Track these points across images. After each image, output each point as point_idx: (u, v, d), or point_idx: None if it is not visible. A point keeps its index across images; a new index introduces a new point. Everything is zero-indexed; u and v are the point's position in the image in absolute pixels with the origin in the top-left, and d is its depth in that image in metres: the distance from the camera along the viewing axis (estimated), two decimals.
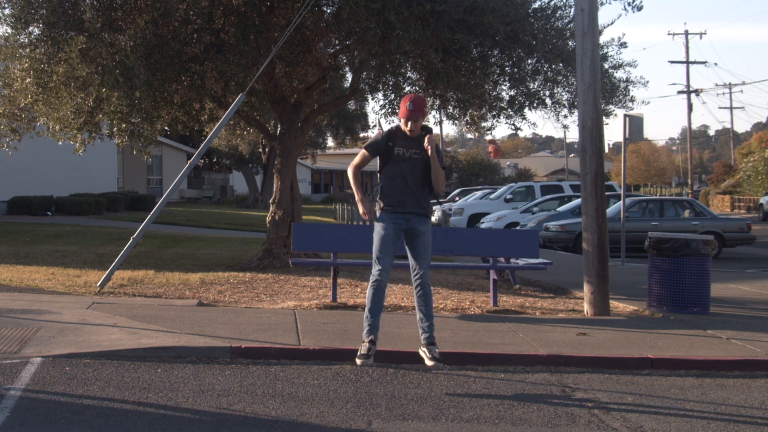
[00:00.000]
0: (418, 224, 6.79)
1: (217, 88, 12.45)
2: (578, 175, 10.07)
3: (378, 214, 6.83)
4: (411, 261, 6.86)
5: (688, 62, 53.32)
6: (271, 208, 13.59)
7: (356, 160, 6.94)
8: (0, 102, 12.68)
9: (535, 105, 13.67)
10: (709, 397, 6.34)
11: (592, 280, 9.61)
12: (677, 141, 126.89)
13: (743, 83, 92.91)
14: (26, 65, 11.15)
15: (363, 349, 6.61)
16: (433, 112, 15.56)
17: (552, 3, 12.84)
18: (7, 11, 11.16)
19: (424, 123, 6.88)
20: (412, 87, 13.97)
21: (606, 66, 13.33)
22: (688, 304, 9.81)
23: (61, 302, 9.34)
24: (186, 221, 27.67)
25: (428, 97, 14.09)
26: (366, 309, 6.71)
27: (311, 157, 48.51)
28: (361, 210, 6.80)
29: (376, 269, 6.73)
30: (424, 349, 6.66)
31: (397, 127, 6.83)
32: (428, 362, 6.58)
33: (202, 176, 56.49)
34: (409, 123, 6.69)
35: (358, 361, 6.60)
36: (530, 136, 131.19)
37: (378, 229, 6.78)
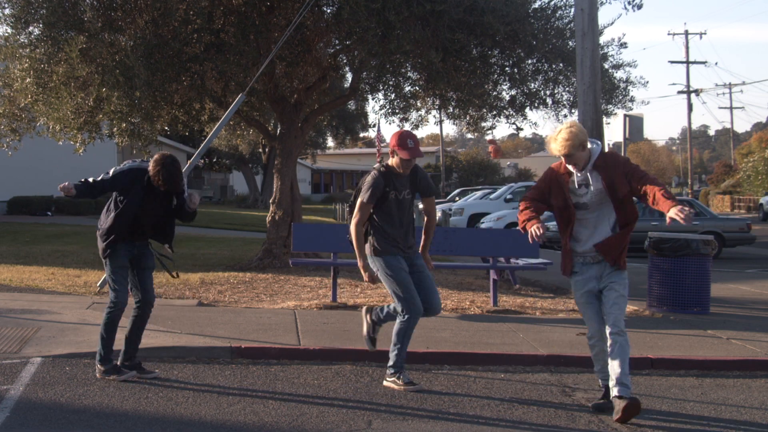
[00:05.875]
0: (417, 258, 6.34)
1: (217, 88, 12.45)
2: None
3: (376, 257, 6.26)
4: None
5: (688, 62, 53.32)
6: (271, 208, 13.59)
7: (358, 214, 6.22)
8: (0, 102, 12.68)
9: (535, 105, 13.68)
10: (709, 397, 6.33)
11: None
12: (677, 141, 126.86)
13: (743, 83, 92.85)
14: (26, 65, 11.15)
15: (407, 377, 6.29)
16: (434, 112, 15.57)
17: (552, 3, 12.87)
18: (7, 11, 11.18)
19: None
20: (412, 87, 13.98)
21: (606, 66, 13.34)
22: (688, 304, 9.81)
23: (61, 302, 9.34)
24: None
25: (428, 97, 14.10)
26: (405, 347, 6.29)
27: (311, 157, 48.55)
28: (365, 277, 6.28)
29: (412, 307, 6.17)
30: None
31: (388, 168, 6.26)
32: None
33: (202, 176, 56.50)
34: (411, 162, 6.16)
35: (405, 388, 6.20)
36: (530, 136, 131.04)
37: (395, 264, 6.21)
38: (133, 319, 6.35)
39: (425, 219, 6.56)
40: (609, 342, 5.56)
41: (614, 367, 5.51)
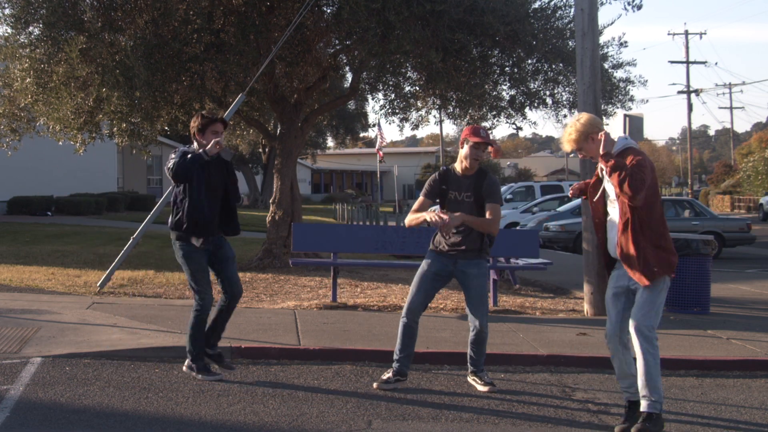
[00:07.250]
0: (467, 267, 6.21)
1: (217, 88, 12.45)
2: (578, 175, 10.07)
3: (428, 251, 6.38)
4: (467, 307, 6.36)
5: (688, 62, 53.33)
6: (271, 208, 13.59)
7: (415, 205, 6.34)
8: (0, 102, 12.68)
9: (535, 105, 13.68)
10: (709, 397, 6.33)
11: (592, 280, 9.61)
12: (677, 141, 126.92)
13: (743, 83, 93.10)
14: (26, 65, 11.15)
15: (385, 376, 6.29)
16: (434, 112, 15.57)
17: (552, 3, 12.87)
18: (7, 11, 11.17)
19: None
20: (412, 87, 13.97)
21: (606, 66, 13.34)
22: (688, 304, 9.81)
23: (61, 302, 9.34)
24: None
25: (428, 97, 14.11)
26: (396, 345, 6.34)
27: (311, 157, 48.54)
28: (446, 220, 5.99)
29: (405, 307, 6.30)
30: (475, 378, 6.35)
31: (448, 169, 6.31)
32: (481, 388, 6.25)
33: None
34: (480, 148, 6.14)
35: (375, 384, 6.25)
36: (530, 136, 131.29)
37: (422, 264, 6.35)
38: (219, 310, 6.44)
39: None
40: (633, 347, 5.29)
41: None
